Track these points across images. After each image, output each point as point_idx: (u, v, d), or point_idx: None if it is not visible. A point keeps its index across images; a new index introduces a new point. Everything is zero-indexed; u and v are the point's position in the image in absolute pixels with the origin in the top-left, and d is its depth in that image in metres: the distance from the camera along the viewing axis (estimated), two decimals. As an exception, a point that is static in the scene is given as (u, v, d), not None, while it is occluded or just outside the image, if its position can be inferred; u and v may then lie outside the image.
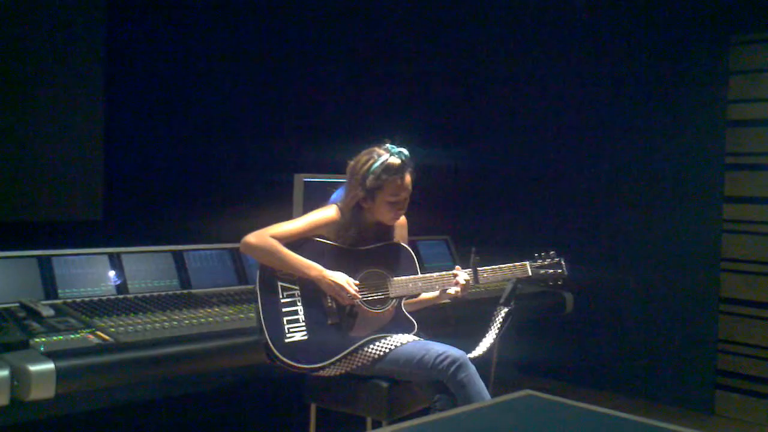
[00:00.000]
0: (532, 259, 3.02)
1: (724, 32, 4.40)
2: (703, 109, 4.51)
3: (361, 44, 5.32)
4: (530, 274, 2.99)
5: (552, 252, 3.03)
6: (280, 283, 2.76)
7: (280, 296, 2.75)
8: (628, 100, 4.77)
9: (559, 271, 3.02)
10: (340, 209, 2.87)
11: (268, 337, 2.67)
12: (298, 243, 2.79)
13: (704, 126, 4.51)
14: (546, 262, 3.02)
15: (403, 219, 2.99)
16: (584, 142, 4.91)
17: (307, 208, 3.28)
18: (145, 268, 3.48)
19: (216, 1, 5.54)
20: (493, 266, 2.95)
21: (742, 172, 4.37)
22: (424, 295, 2.99)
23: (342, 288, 2.75)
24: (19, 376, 2.36)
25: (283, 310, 2.73)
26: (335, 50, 5.38)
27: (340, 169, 3.15)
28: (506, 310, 2.93)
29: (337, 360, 2.72)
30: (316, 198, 3.59)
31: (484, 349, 2.82)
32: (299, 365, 2.68)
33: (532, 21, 5.10)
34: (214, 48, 5.46)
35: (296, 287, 2.78)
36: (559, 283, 3.03)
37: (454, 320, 3.41)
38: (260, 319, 2.70)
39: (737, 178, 4.39)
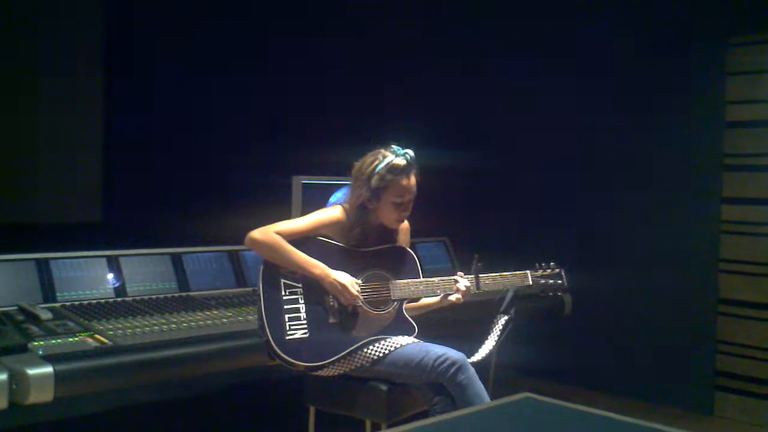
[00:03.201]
0: (532, 268, 3.04)
1: (722, 33, 4.40)
2: (701, 110, 4.51)
3: (361, 46, 5.32)
4: (531, 282, 3.01)
5: (552, 263, 3.06)
6: (283, 280, 2.76)
7: (283, 293, 2.75)
8: (626, 101, 4.77)
9: (559, 281, 3.04)
10: (345, 210, 2.88)
11: (269, 334, 2.66)
12: (302, 241, 2.79)
13: (702, 127, 4.50)
14: (547, 272, 3.04)
15: (406, 224, 3.00)
16: (582, 142, 4.91)
17: (306, 210, 3.28)
18: (144, 270, 3.47)
19: (215, 3, 5.54)
20: (495, 273, 2.96)
21: (740, 174, 4.37)
22: (425, 301, 2.99)
23: (345, 288, 2.75)
24: (17, 380, 2.36)
25: (285, 307, 2.73)
26: (334, 52, 5.39)
27: (338, 171, 3.15)
28: (506, 318, 2.94)
29: (337, 359, 2.71)
30: (314, 200, 3.60)
31: (483, 355, 2.84)
32: (299, 363, 2.67)
33: (531, 23, 5.10)
34: (212, 50, 5.46)
35: (299, 285, 2.77)
36: (559, 294, 3.06)
37: (452, 321, 3.40)
38: (262, 316, 2.70)
39: (735, 179, 4.39)
